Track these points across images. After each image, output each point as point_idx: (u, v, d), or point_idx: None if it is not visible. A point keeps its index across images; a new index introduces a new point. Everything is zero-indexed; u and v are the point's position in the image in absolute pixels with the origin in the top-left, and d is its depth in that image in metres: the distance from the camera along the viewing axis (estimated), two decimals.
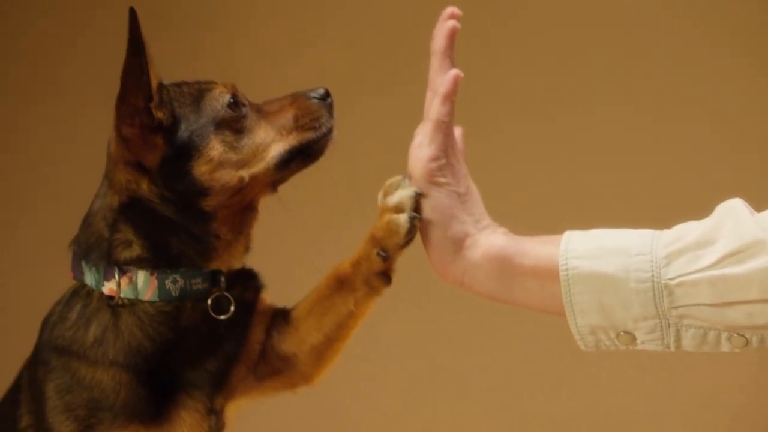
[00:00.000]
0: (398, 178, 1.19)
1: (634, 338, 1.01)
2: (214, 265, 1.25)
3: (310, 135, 1.28)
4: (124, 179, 1.24)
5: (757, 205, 1.04)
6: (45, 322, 1.27)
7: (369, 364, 2.48)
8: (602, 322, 1.00)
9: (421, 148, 1.11)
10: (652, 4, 2.53)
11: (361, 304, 1.27)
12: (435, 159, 1.11)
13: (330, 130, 1.29)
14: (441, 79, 1.11)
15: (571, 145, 2.52)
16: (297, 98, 1.30)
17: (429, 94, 1.13)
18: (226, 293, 1.25)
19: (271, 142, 1.27)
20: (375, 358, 2.54)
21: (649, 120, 2.50)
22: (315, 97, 1.30)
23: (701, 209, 2.27)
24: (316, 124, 1.28)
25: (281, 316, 1.32)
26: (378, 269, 1.23)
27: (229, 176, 1.23)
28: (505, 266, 1.05)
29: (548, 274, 1.01)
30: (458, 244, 1.08)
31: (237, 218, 1.26)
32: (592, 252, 1.00)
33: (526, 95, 2.56)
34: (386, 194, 1.19)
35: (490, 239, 1.07)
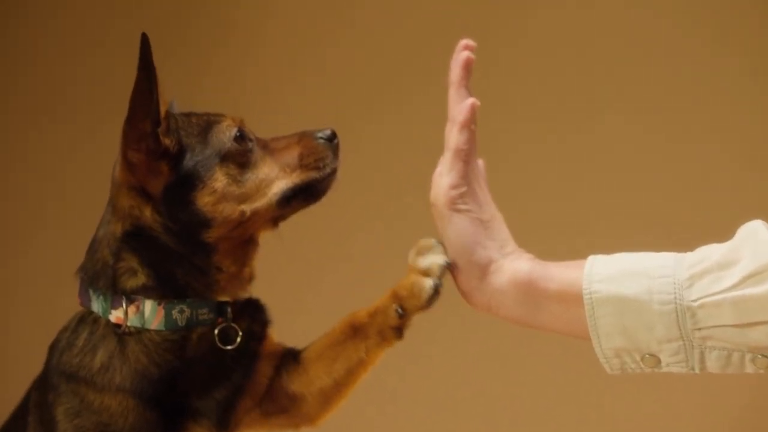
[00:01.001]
0: (433, 241, 1.21)
1: (658, 361, 1.01)
2: (220, 297, 1.27)
3: (313, 174, 1.29)
4: (128, 204, 1.25)
5: None
6: (52, 348, 1.29)
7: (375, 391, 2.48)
8: (627, 344, 1.01)
9: (442, 176, 1.13)
10: (665, 24, 2.53)
11: (371, 352, 1.29)
12: (456, 187, 1.12)
13: (333, 172, 1.31)
14: (458, 107, 1.13)
15: (583, 162, 2.52)
16: (303, 137, 1.32)
17: (448, 125, 1.15)
18: (233, 324, 1.27)
19: (274, 178, 1.28)
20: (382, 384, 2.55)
21: (661, 138, 2.50)
22: (321, 138, 1.31)
23: (714, 226, 2.28)
24: (320, 165, 1.30)
25: (291, 356, 1.34)
26: (393, 324, 1.26)
27: (230, 209, 1.24)
28: (530, 291, 1.05)
29: (573, 298, 1.02)
30: (483, 269, 1.09)
31: (238, 251, 1.27)
32: (615, 275, 1.01)
33: (539, 113, 2.56)
34: (418, 254, 1.22)
35: (514, 264, 1.08)
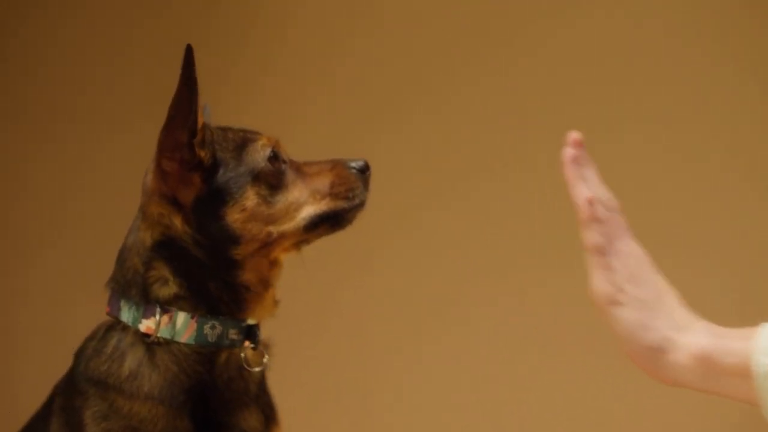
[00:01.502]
0: None
1: None
2: (249, 317, 1.28)
3: (342, 204, 1.31)
4: (157, 212, 1.27)
5: None
6: (79, 355, 1.30)
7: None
8: None
9: (591, 275, 1.09)
10: (672, 37, 2.52)
11: None
12: (606, 283, 1.08)
13: (362, 203, 1.33)
14: (577, 206, 1.11)
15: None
16: (337, 165, 1.33)
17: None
18: (259, 347, 1.29)
19: (303, 203, 1.29)
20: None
21: (666, 147, 2.50)
22: (354, 168, 1.33)
23: (716, 231, 2.26)
24: (350, 195, 1.31)
25: None
26: None
27: (258, 229, 1.25)
28: (710, 367, 1.04)
29: (749, 372, 1.02)
30: (657, 351, 1.07)
31: (264, 271, 1.29)
32: None
33: (549, 122, 2.56)
34: None
35: (690, 340, 1.06)
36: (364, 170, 1.33)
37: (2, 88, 3.00)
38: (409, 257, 2.62)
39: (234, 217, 1.25)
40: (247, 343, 1.27)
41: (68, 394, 1.28)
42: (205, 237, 1.24)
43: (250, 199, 1.25)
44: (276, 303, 1.32)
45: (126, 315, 1.26)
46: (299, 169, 1.32)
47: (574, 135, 1.12)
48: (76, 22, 2.99)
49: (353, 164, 1.33)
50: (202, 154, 1.25)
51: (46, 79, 2.99)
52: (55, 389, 1.33)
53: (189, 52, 1.22)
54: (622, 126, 2.52)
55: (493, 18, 2.64)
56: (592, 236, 1.09)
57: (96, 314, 2.69)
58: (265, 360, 1.28)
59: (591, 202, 1.10)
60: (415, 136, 2.65)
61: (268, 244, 1.26)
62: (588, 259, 1.09)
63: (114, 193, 2.83)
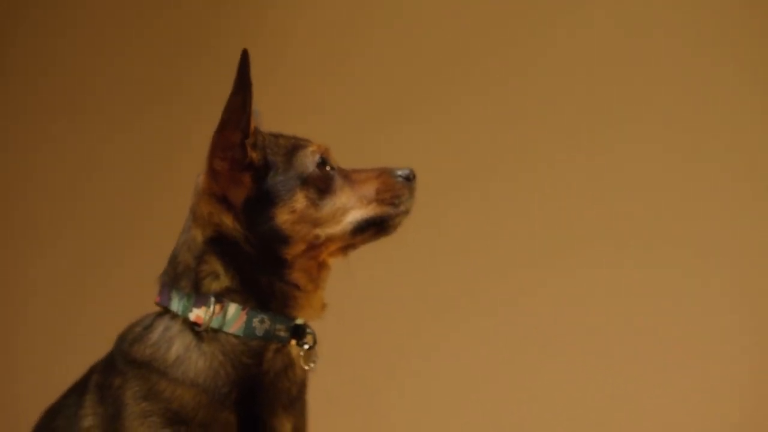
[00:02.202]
0: None
1: None
2: (297, 316, 1.32)
3: (388, 210, 1.35)
4: (207, 212, 1.32)
5: None
6: (122, 338, 1.34)
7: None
8: None
9: None
10: (673, 37, 2.53)
11: None
12: None
13: (408, 210, 1.37)
14: None
15: (587, 171, 2.52)
16: (383, 173, 1.38)
17: None
18: (313, 347, 1.33)
19: (350, 208, 1.34)
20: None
21: (666, 147, 2.51)
22: (400, 176, 1.37)
23: (716, 231, 2.27)
24: (396, 201, 1.36)
25: None
26: None
27: (306, 230, 1.30)
28: None
29: None
30: None
31: (313, 272, 1.33)
32: None
33: (550, 123, 2.57)
34: None
35: None
36: (410, 178, 1.38)
37: (2, 86, 3.01)
38: (413, 256, 2.62)
39: (283, 218, 1.29)
40: (293, 342, 1.31)
41: (107, 374, 1.32)
42: (255, 236, 1.29)
43: (299, 201, 1.30)
44: (324, 306, 1.36)
45: (176, 305, 1.30)
46: (347, 175, 1.37)
47: None
48: (76, 21, 3.00)
49: (400, 172, 1.38)
50: (254, 155, 1.30)
51: (47, 76, 3.00)
52: (93, 368, 1.37)
53: (244, 56, 1.26)
54: (623, 126, 2.53)
55: (500, 19, 2.65)
56: None
57: (98, 312, 2.69)
58: (314, 360, 1.32)
59: None
60: (418, 137, 2.66)
61: (315, 246, 1.31)
62: None
63: (114, 191, 2.84)
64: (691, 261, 2.45)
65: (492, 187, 2.59)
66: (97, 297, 2.80)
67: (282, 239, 1.29)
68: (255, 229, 1.29)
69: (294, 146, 1.35)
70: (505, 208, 2.59)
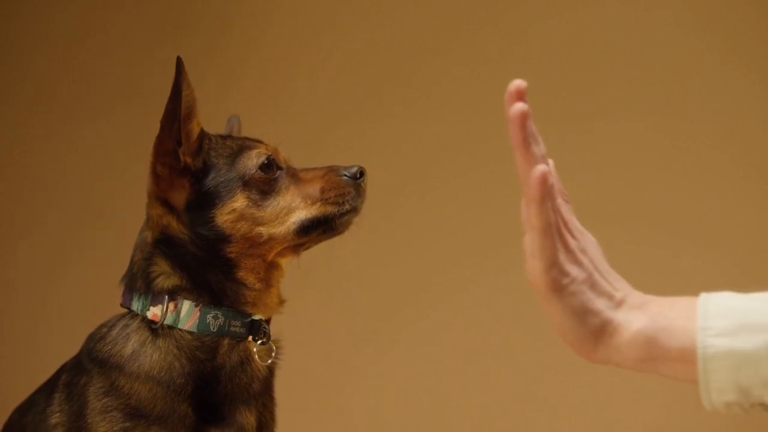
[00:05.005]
0: None
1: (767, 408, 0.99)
2: (253, 312, 1.35)
3: (331, 209, 1.36)
4: (156, 214, 1.35)
5: None
6: (89, 337, 1.38)
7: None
8: (739, 398, 0.98)
9: (534, 258, 0.99)
10: (669, 26, 2.53)
11: None
12: (551, 267, 0.99)
13: (353, 209, 1.38)
14: (529, 181, 0.96)
15: (586, 163, 2.51)
16: (330, 171, 1.39)
17: (524, 200, 0.99)
18: (269, 342, 1.36)
19: (295, 207, 1.35)
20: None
21: (665, 139, 2.51)
22: (346, 175, 1.38)
23: (717, 225, 2.26)
24: (340, 201, 1.37)
25: None
26: None
27: (248, 228, 1.33)
28: (650, 350, 1.00)
29: (692, 356, 0.98)
30: (598, 335, 1.01)
31: (261, 271, 1.35)
32: (731, 329, 0.96)
33: (542, 113, 2.55)
34: None
35: (630, 322, 1.00)
36: (357, 177, 1.38)
37: None
38: (396, 246, 2.62)
39: (223, 218, 1.32)
40: (250, 338, 1.34)
41: (74, 372, 1.36)
42: (198, 237, 1.32)
43: (239, 201, 1.32)
44: (281, 302, 1.39)
45: (135, 304, 1.34)
46: (295, 175, 1.38)
47: (518, 83, 0.95)
48: (62, 11, 2.99)
49: (345, 171, 1.38)
50: (189, 160, 1.33)
51: (24, 70, 2.99)
52: (62, 367, 1.40)
53: (179, 65, 1.29)
54: (618, 117, 2.53)
55: (486, 11, 2.64)
56: (543, 218, 0.97)
57: (75, 304, 2.67)
58: (272, 356, 1.35)
59: (545, 179, 0.95)
60: (397, 135, 2.66)
61: (258, 245, 1.33)
62: (533, 239, 0.98)
63: (89, 186, 2.83)
64: (691, 249, 2.44)
65: (471, 181, 2.59)
66: (70, 294, 2.81)
67: (223, 238, 1.32)
68: (198, 230, 1.32)
69: (241, 148, 1.37)
70: (466, 203, 2.59)
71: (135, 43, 2.89)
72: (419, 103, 2.67)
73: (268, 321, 1.38)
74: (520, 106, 0.94)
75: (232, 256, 1.32)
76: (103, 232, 2.78)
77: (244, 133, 1.52)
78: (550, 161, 1.02)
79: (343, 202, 1.36)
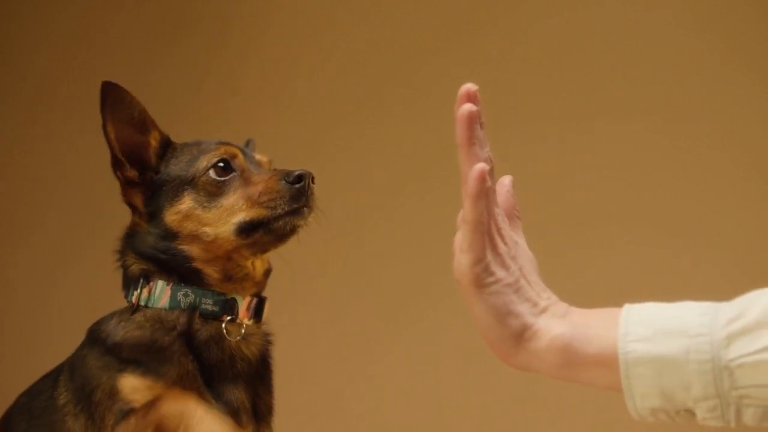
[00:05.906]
0: None
1: (693, 415, 0.99)
2: (223, 291, 1.42)
3: (263, 213, 1.39)
4: (130, 214, 1.47)
5: None
6: (92, 325, 1.46)
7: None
8: (663, 404, 0.98)
9: (463, 251, 1.03)
10: (667, 27, 2.53)
11: None
12: (477, 262, 1.02)
13: (286, 213, 1.39)
14: (468, 177, 1.01)
15: (583, 164, 2.51)
16: (274, 175, 1.42)
17: (463, 192, 1.03)
18: (241, 320, 1.42)
19: (237, 209, 1.40)
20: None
21: (663, 140, 2.50)
22: (285, 180, 1.40)
23: (716, 227, 2.26)
24: (273, 205, 1.39)
25: None
26: None
27: (193, 227, 1.41)
28: (569, 356, 1.01)
29: (612, 361, 0.99)
30: (518, 338, 1.03)
31: (217, 264, 1.42)
32: (651, 334, 0.98)
33: (538, 114, 2.56)
34: None
35: (550, 327, 1.02)
36: (295, 182, 1.39)
37: None
38: (393, 245, 2.62)
39: (171, 218, 1.41)
40: (224, 317, 1.40)
41: (74, 356, 1.45)
42: (156, 233, 1.42)
43: (185, 203, 1.41)
44: (257, 283, 1.44)
45: (127, 293, 1.44)
46: (248, 178, 1.43)
47: (469, 86, 1.02)
48: (56, 16, 2.98)
49: (285, 177, 1.40)
50: (130, 174, 1.44)
51: (24, 70, 2.99)
52: (66, 360, 1.48)
53: (103, 91, 1.43)
54: (618, 117, 2.53)
55: (486, 11, 2.64)
56: (476, 213, 1.01)
57: (75, 304, 2.67)
58: (241, 333, 1.40)
59: (483, 176, 1.00)
60: (397, 135, 2.66)
61: (207, 243, 1.40)
62: (464, 232, 1.02)
63: (89, 184, 2.83)
64: (691, 251, 2.44)
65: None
66: (70, 294, 2.81)
67: (173, 235, 1.40)
68: (153, 229, 1.42)
69: (199, 153, 1.44)
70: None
71: (135, 43, 2.89)
72: (419, 103, 2.67)
73: (262, 302, 1.45)
74: (468, 107, 1.01)
75: (185, 250, 1.41)
76: (103, 232, 2.75)
77: (251, 137, 1.57)
78: (510, 177, 1.09)
79: (275, 206, 1.38)
